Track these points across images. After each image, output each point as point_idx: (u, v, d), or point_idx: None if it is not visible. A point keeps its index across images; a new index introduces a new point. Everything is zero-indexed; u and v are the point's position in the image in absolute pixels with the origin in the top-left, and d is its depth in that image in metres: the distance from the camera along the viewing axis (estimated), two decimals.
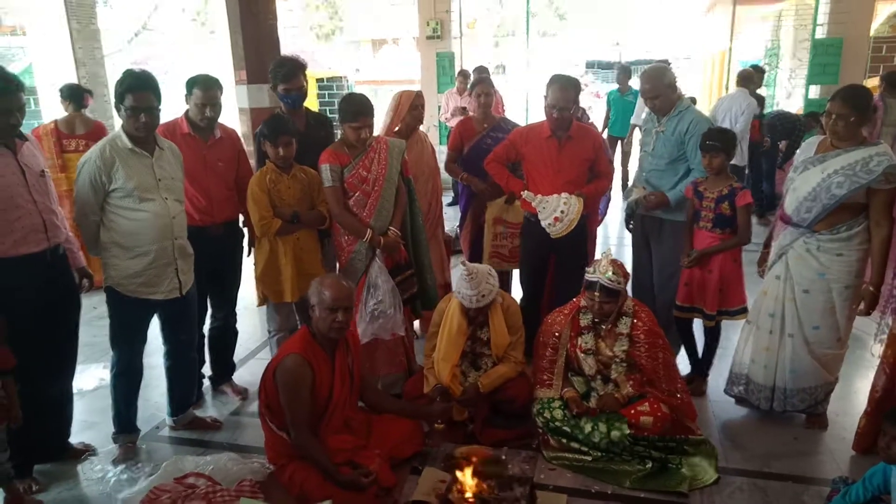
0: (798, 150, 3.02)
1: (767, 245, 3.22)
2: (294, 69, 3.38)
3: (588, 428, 2.85)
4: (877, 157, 2.69)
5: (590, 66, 26.93)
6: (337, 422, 2.73)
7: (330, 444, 2.65)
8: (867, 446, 2.83)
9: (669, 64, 4.45)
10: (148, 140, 2.78)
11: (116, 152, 2.70)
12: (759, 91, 7.02)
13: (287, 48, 4.91)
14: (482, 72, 7.75)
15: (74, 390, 3.49)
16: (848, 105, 2.72)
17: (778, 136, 6.84)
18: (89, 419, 3.34)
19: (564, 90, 3.29)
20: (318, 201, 3.26)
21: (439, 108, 9.03)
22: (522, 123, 4.84)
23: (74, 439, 3.06)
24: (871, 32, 8.24)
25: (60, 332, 2.81)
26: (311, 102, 12.74)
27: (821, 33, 8.20)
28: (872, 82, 7.48)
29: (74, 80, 6.37)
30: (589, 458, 2.84)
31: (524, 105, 10.69)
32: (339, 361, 2.71)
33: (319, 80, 11.96)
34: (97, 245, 2.82)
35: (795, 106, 9.21)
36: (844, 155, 2.76)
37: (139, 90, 2.68)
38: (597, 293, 2.88)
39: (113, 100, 2.75)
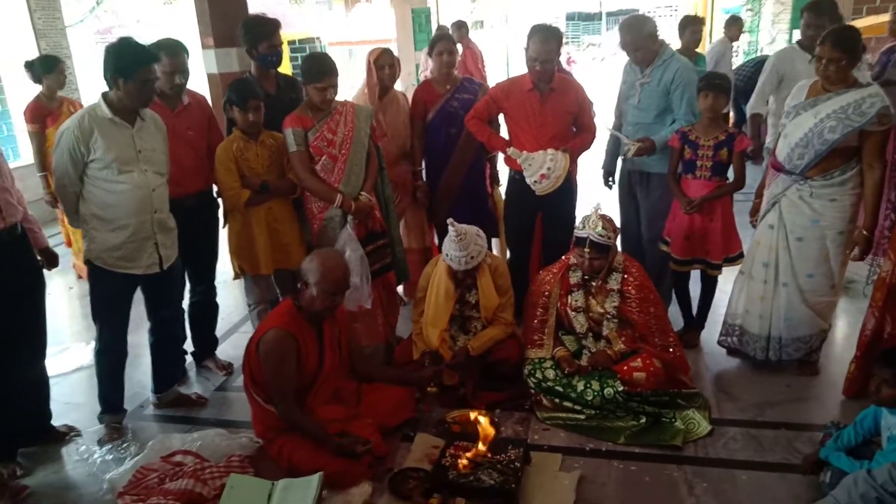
0: (788, 96, 2.94)
1: (759, 194, 3.16)
2: (276, 25, 3.30)
3: (581, 386, 2.82)
4: (869, 98, 2.63)
5: (570, 17, 26.41)
6: (326, 393, 2.69)
7: (320, 414, 2.61)
8: (857, 390, 2.83)
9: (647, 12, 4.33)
10: (131, 110, 2.66)
11: (95, 122, 2.58)
12: (741, 37, 6.85)
13: (255, 10, 4.70)
14: (461, 27, 7.55)
15: (57, 371, 3.42)
16: (838, 49, 2.66)
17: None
18: (73, 400, 3.26)
19: (546, 42, 3.16)
20: (289, 168, 3.14)
21: (417, 66, 8.80)
22: (490, 83, 4.58)
23: (58, 421, 2.98)
24: None
25: (25, 313, 2.71)
26: (285, 66, 12.41)
27: None
28: (860, 23, 7.36)
29: (35, 52, 6.11)
30: (582, 417, 2.81)
31: (504, 60, 10.48)
32: (328, 332, 2.65)
33: (291, 43, 11.60)
34: (77, 217, 2.73)
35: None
36: (836, 98, 2.69)
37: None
38: (587, 249, 2.82)
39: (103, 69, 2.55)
